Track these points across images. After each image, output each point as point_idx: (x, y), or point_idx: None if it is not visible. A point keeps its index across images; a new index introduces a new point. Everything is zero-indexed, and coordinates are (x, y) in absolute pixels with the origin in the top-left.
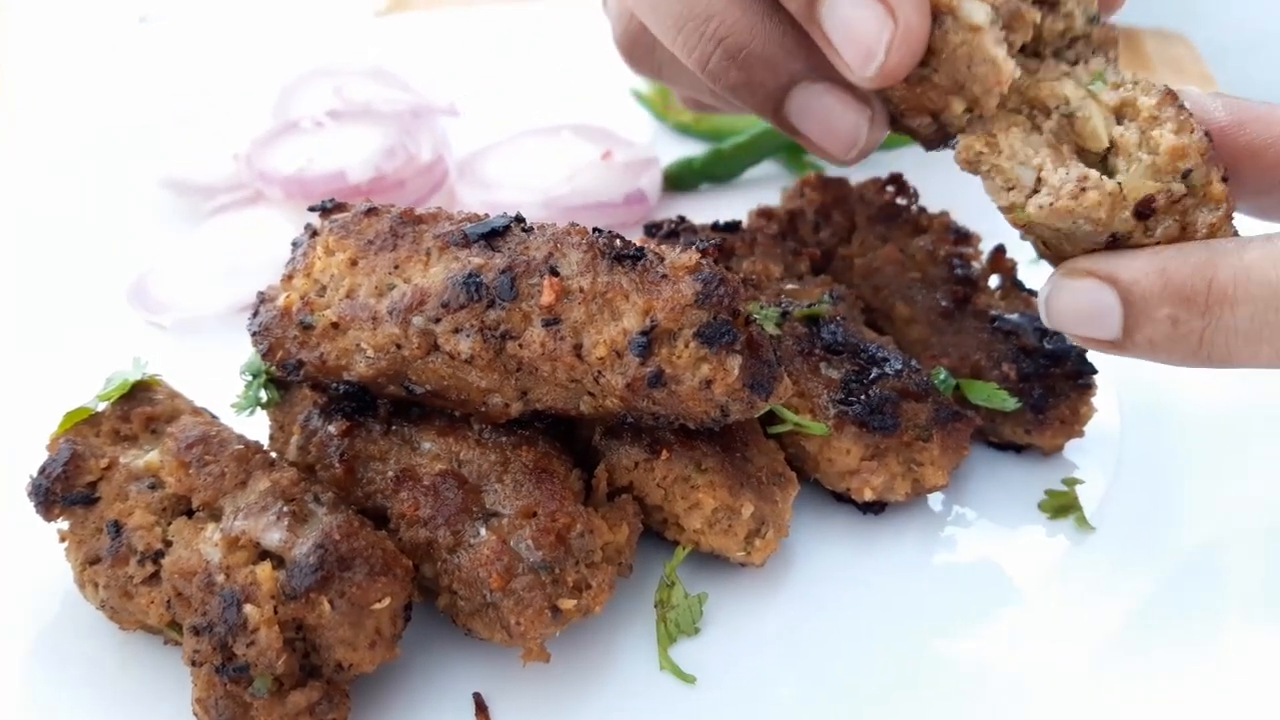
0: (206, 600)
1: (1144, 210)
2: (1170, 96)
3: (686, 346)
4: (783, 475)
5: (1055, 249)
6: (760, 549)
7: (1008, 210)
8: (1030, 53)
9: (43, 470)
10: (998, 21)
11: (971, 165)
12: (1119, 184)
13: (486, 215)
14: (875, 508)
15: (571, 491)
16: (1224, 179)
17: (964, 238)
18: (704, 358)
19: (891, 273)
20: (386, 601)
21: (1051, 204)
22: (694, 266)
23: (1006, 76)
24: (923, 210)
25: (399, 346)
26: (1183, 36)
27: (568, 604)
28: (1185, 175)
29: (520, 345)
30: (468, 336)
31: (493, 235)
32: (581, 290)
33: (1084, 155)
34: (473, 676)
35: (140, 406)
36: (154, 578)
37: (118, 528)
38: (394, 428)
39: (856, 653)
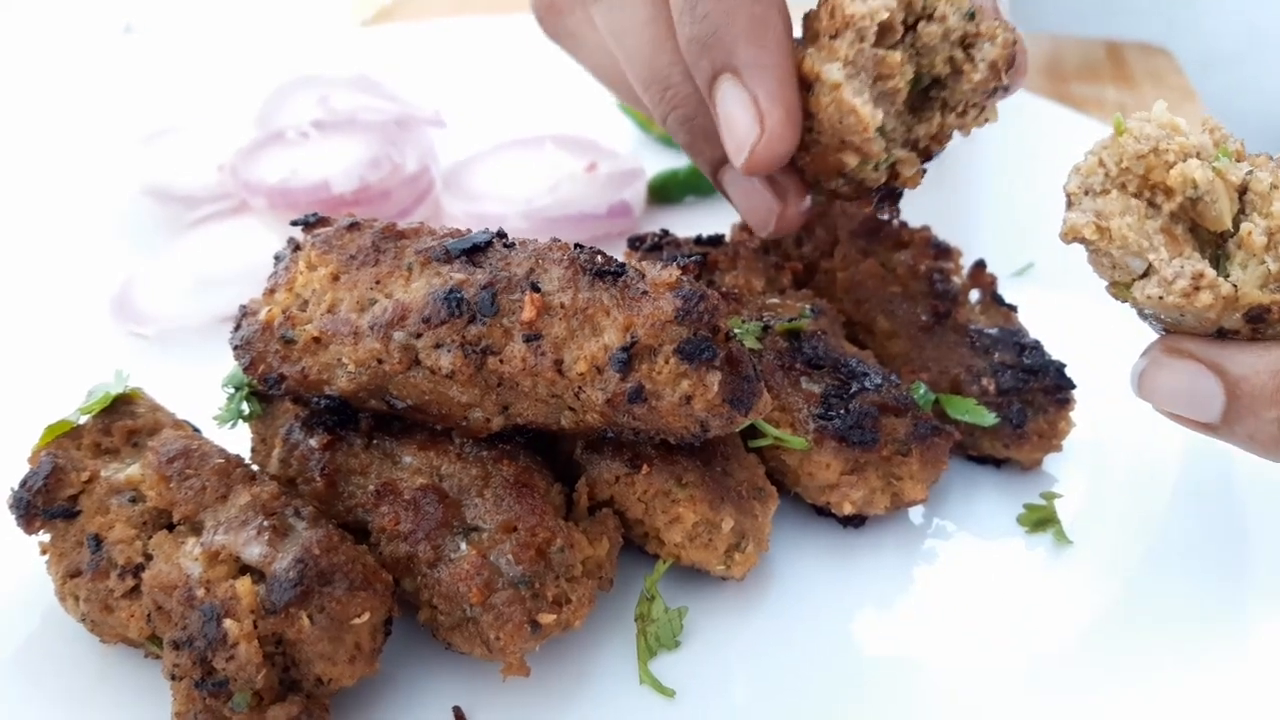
0: (186, 614)
1: (1256, 316)
2: None
3: (666, 363)
4: (763, 489)
5: (1153, 319)
6: (740, 563)
7: (1110, 287)
8: (928, 87)
9: (24, 483)
10: (859, 75)
11: (1078, 243)
12: (1234, 286)
13: (469, 230)
14: (855, 521)
15: (552, 506)
16: None
17: (944, 252)
18: (684, 374)
19: (873, 287)
20: (366, 616)
21: (1161, 297)
22: (674, 283)
23: (869, 122)
24: (904, 225)
25: (380, 361)
26: (1165, 49)
27: (547, 618)
28: None
29: (501, 361)
30: (449, 352)
31: (474, 251)
32: (562, 306)
33: (1199, 230)
34: (453, 690)
35: (121, 420)
36: (134, 591)
37: (98, 541)
38: (375, 442)
39: (837, 666)
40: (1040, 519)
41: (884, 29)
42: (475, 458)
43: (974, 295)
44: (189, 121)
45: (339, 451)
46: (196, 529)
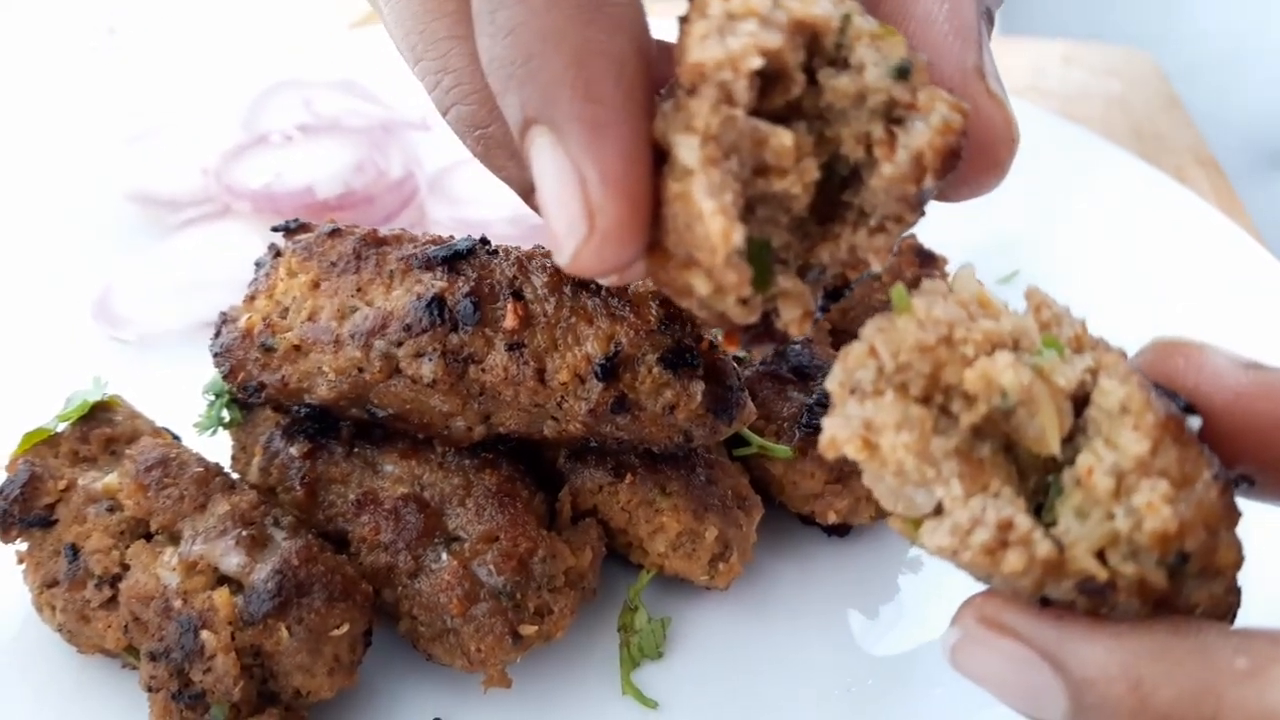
0: (163, 625)
1: (1095, 590)
2: (1169, 428)
3: (649, 372)
4: (747, 499)
5: None
6: (724, 573)
7: (895, 522)
8: (847, 178)
9: (1, 491)
10: (729, 158)
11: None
12: (1059, 546)
13: (451, 237)
14: (840, 530)
15: (534, 515)
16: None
17: (930, 260)
18: (667, 383)
19: (859, 295)
20: (345, 628)
21: (953, 551)
22: (658, 290)
23: (718, 244)
24: None
25: (360, 370)
26: (1149, 55)
27: (528, 630)
28: (1178, 560)
29: (483, 370)
30: (430, 360)
31: (457, 258)
32: (545, 315)
33: (1019, 450)
34: (434, 701)
35: (99, 427)
36: (111, 601)
37: (75, 551)
38: (356, 450)
39: (822, 676)
40: None
41: (773, 78)
42: (457, 466)
43: None
44: (173, 124)
45: (319, 460)
46: (174, 539)
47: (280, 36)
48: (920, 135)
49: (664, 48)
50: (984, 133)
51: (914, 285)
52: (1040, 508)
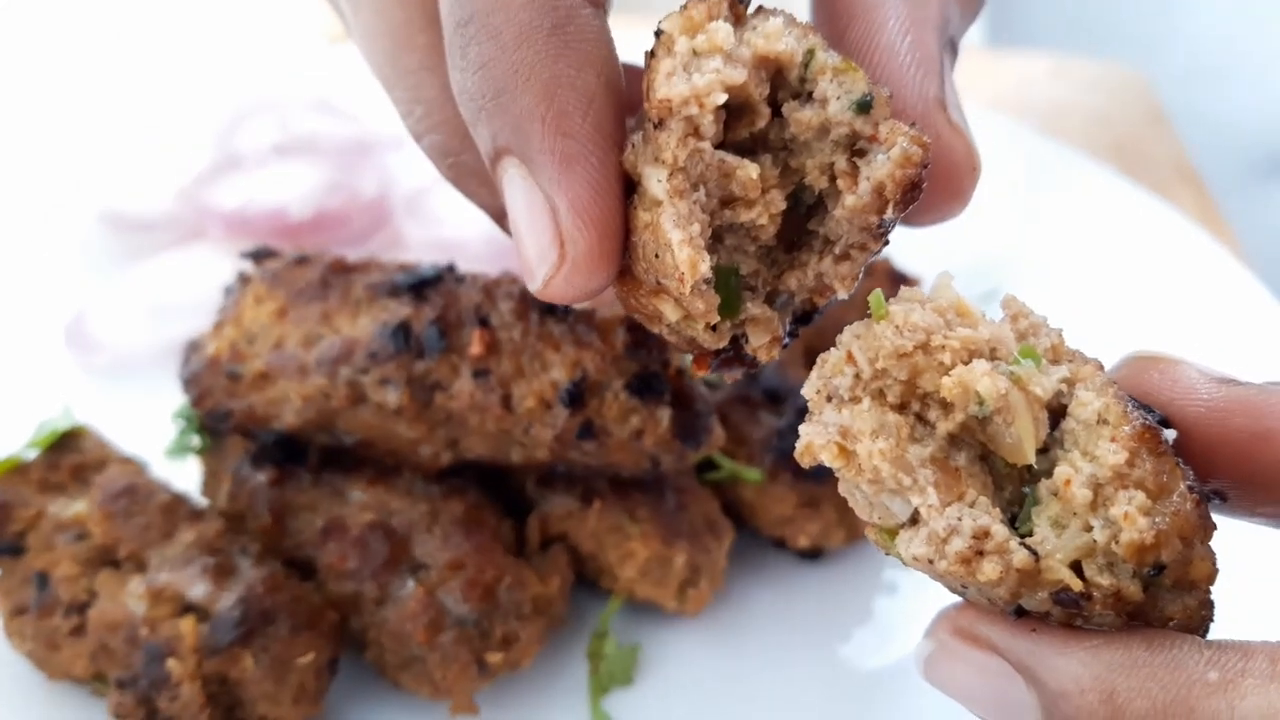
0: (130, 654)
1: (1070, 600)
2: (1146, 439)
3: (616, 398)
4: (717, 524)
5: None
6: (694, 599)
7: (871, 531)
8: (813, 206)
9: None
10: (697, 190)
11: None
12: (1035, 555)
13: (419, 264)
14: (813, 554)
15: (501, 543)
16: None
17: (904, 282)
18: (633, 409)
19: (833, 317)
20: (310, 656)
21: (929, 561)
22: (624, 317)
23: (688, 272)
24: None
25: (327, 397)
26: (1135, 69)
27: (495, 658)
28: (1153, 572)
29: (449, 397)
30: (395, 388)
31: (423, 285)
32: (511, 341)
33: (995, 460)
34: None
35: (69, 456)
36: (80, 629)
37: (44, 578)
38: (324, 477)
39: (794, 701)
40: None
41: (739, 111)
42: (424, 494)
43: None
44: (147, 145)
45: (287, 487)
46: (141, 567)
47: (257, 52)
48: (882, 167)
49: (632, 71)
50: (945, 162)
51: None
52: (1014, 518)
